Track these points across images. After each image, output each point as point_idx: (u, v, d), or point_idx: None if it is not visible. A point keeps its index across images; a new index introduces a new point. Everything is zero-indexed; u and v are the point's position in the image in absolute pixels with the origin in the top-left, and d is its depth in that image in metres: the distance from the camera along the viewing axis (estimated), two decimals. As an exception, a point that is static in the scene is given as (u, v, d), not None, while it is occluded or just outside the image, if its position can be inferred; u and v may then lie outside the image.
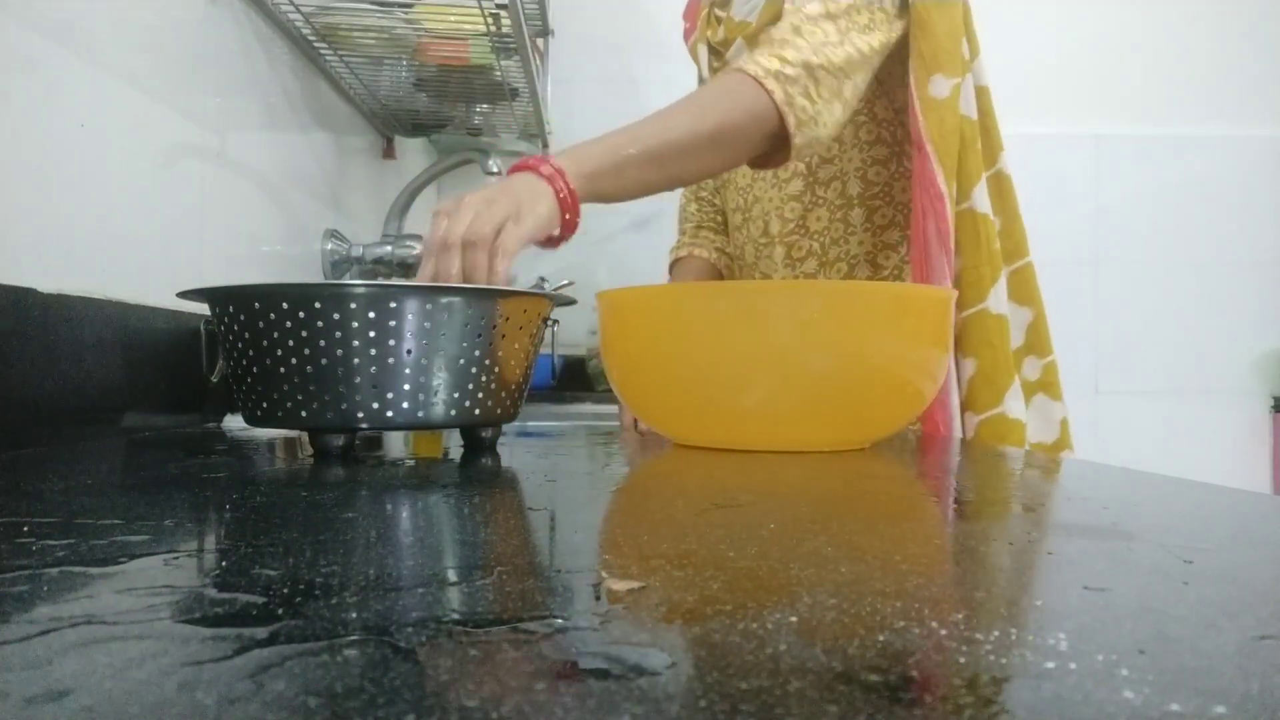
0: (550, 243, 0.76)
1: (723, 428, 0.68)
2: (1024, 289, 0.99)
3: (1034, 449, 0.97)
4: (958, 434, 0.94)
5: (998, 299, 0.94)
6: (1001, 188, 0.99)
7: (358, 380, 0.58)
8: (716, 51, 1.07)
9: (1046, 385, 0.99)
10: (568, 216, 0.74)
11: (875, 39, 0.89)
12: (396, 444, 0.72)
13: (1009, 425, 0.93)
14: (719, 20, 1.05)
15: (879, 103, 1.00)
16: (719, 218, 1.23)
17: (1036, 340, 1.00)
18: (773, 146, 0.87)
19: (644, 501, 0.46)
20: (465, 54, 1.29)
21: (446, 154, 1.81)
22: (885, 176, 1.01)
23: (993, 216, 0.96)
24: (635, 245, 2.11)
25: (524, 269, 2.03)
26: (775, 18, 0.93)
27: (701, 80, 1.12)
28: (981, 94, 0.99)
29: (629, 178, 0.79)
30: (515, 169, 0.76)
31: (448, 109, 1.58)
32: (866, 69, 0.89)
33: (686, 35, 1.15)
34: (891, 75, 0.97)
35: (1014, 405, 0.93)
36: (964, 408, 0.94)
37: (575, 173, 0.74)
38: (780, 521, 0.37)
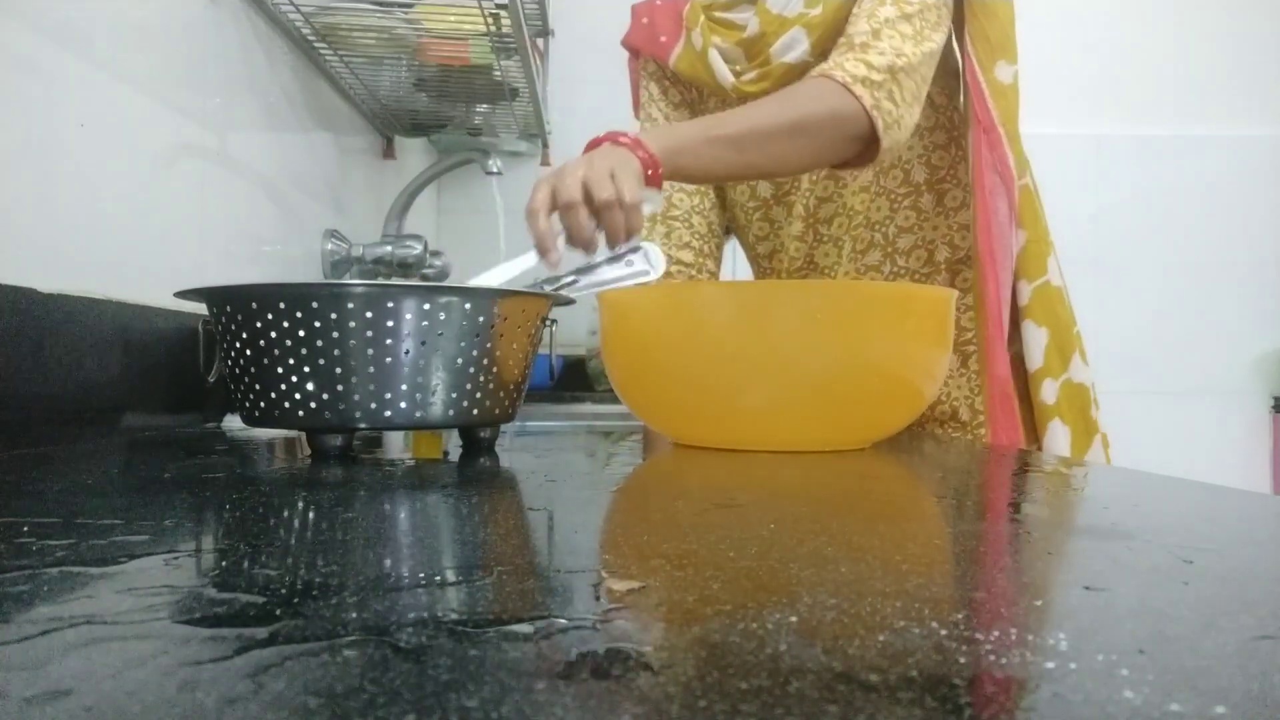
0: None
1: (723, 428, 0.68)
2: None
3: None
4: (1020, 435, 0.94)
5: (1055, 270, 1.00)
6: None
7: (356, 380, 0.58)
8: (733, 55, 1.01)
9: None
10: (650, 173, 0.75)
11: (940, 35, 0.91)
12: (395, 444, 0.72)
13: (1075, 389, 0.98)
14: (725, 24, 1.00)
15: (934, 88, 0.97)
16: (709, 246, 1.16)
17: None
18: (853, 151, 0.87)
19: (644, 501, 0.46)
20: (465, 54, 1.29)
21: (446, 154, 1.81)
22: (949, 160, 1.01)
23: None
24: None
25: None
26: (841, 7, 0.92)
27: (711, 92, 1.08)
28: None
29: (708, 156, 0.81)
30: (591, 145, 0.78)
31: (448, 109, 1.58)
32: (935, 65, 0.92)
33: (665, 51, 1.07)
34: (943, 64, 0.97)
35: (1077, 372, 0.99)
36: (1042, 376, 0.98)
37: (657, 146, 0.77)
38: (780, 521, 0.37)
